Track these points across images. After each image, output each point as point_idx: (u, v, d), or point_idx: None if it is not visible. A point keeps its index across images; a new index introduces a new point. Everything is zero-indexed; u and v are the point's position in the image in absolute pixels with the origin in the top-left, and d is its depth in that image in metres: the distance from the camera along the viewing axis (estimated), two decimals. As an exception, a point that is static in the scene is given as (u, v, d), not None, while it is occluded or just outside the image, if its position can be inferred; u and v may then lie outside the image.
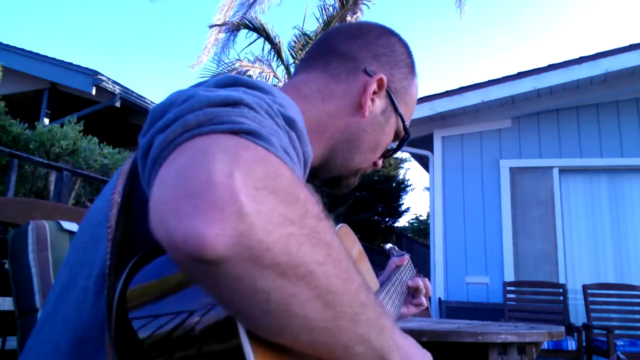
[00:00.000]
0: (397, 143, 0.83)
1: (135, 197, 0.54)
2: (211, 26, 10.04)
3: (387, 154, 0.83)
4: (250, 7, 10.15)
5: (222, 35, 10.12)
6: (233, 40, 10.00)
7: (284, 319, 0.38)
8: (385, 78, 0.75)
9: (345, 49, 0.76)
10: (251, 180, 0.36)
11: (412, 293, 1.19)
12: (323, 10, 9.61)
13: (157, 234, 0.36)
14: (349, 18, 9.51)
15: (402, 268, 1.20)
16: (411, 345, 0.57)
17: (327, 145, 0.74)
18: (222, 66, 9.59)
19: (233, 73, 9.64)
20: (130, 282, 0.44)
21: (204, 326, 0.39)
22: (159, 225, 0.35)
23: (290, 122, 0.50)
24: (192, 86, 0.55)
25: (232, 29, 9.81)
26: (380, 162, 0.83)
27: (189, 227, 0.34)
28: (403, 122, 0.79)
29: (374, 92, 0.74)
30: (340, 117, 0.74)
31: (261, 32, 9.59)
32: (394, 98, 0.77)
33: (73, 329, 0.53)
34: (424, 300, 1.17)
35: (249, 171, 0.37)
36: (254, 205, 0.35)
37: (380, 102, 0.76)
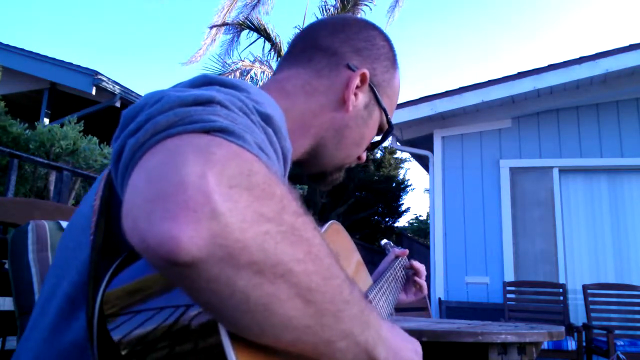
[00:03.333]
0: (381, 136, 0.84)
1: (115, 202, 0.53)
2: (211, 27, 10.04)
3: (372, 147, 0.84)
4: (253, 8, 10.16)
5: (225, 37, 10.13)
6: (237, 40, 10.02)
7: (264, 318, 0.38)
8: (367, 72, 0.75)
9: (327, 43, 0.76)
10: (224, 179, 0.36)
11: (412, 275, 1.24)
12: (324, 11, 9.63)
13: (131, 239, 0.35)
14: (338, 15, 9.52)
15: (397, 262, 1.22)
16: (398, 337, 0.57)
17: (311, 142, 0.74)
18: (226, 67, 9.61)
19: (237, 73, 9.58)
20: (108, 287, 0.43)
21: (183, 325, 0.39)
22: (132, 230, 0.35)
23: (266, 119, 0.49)
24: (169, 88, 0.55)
25: (236, 29, 9.82)
26: (364, 156, 0.83)
27: (162, 231, 0.33)
28: (386, 115, 0.80)
29: (357, 87, 0.75)
30: (324, 113, 0.74)
31: (262, 32, 9.60)
32: (376, 92, 0.77)
33: (57, 336, 0.52)
34: (424, 283, 1.23)
35: (221, 169, 0.36)
36: (227, 204, 0.34)
37: (363, 97, 0.76)
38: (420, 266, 1.25)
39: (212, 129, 0.41)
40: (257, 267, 0.35)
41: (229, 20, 10.04)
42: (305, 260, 0.38)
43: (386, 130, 0.82)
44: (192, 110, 0.43)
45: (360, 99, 0.76)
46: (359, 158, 0.82)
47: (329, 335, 0.42)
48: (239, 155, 0.39)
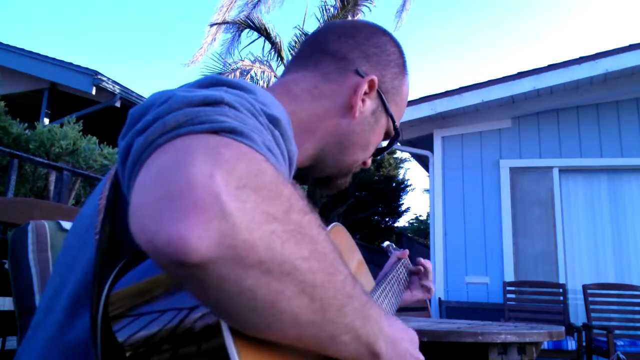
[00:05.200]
0: (387, 142, 0.84)
1: (121, 201, 0.53)
2: (212, 25, 10.04)
3: (377, 153, 0.83)
4: (254, 7, 10.16)
5: (225, 36, 10.13)
6: (237, 40, 10.02)
7: (271, 315, 0.38)
8: (376, 79, 0.74)
9: (337, 48, 0.76)
10: (233, 179, 0.36)
11: (420, 275, 1.25)
12: (324, 11, 9.63)
13: (138, 239, 0.35)
14: (349, 19, 9.54)
15: (400, 264, 1.23)
16: (397, 330, 0.58)
17: (317, 146, 0.74)
18: (227, 67, 9.60)
19: (237, 72, 9.58)
20: (113, 287, 0.43)
21: (187, 327, 0.39)
22: (140, 230, 0.35)
23: (273, 121, 0.50)
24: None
25: (236, 28, 9.82)
26: (369, 161, 0.83)
27: (171, 231, 0.33)
28: (393, 122, 0.79)
29: (365, 93, 0.74)
30: (330, 118, 0.73)
31: (262, 31, 9.60)
32: (384, 99, 0.77)
33: (62, 336, 0.52)
34: (432, 286, 1.24)
35: (230, 170, 0.36)
36: (236, 205, 0.34)
37: (370, 103, 0.76)
38: (428, 266, 1.25)
39: (220, 130, 0.41)
40: (264, 266, 0.36)
41: (229, 18, 10.03)
42: (310, 257, 0.39)
43: (393, 136, 0.82)
44: (201, 110, 0.43)
45: (367, 105, 0.75)
46: (364, 163, 0.82)
47: (333, 329, 0.43)
48: (247, 156, 0.39)
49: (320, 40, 0.78)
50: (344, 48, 0.76)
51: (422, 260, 1.26)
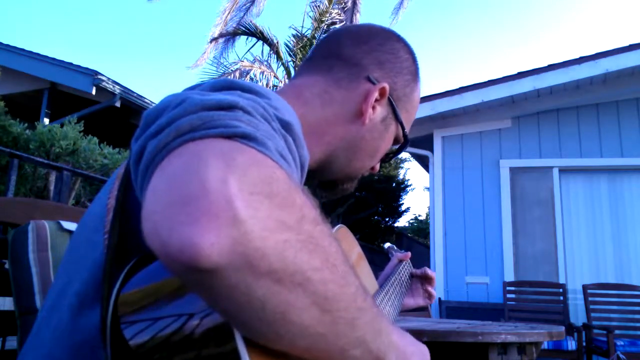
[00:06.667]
0: (396, 148, 0.84)
1: (130, 202, 0.53)
2: (212, 40, 10.17)
3: (386, 158, 0.83)
4: (247, 12, 10.26)
5: (222, 40, 10.22)
6: (232, 43, 10.11)
7: (281, 326, 0.37)
8: (387, 87, 0.74)
9: (350, 53, 0.76)
10: (246, 185, 0.35)
11: (422, 281, 1.28)
12: (315, 8, 9.75)
13: (150, 244, 0.35)
14: (335, 13, 9.66)
15: (401, 266, 1.23)
16: (408, 343, 0.57)
17: (325, 150, 0.74)
18: (222, 69, 9.63)
19: (236, 73, 9.62)
20: (123, 288, 0.43)
21: (199, 330, 0.39)
22: (152, 234, 0.34)
23: (286, 126, 0.49)
24: (187, 89, 0.54)
25: (231, 34, 9.93)
26: (377, 167, 0.83)
27: (183, 237, 0.33)
28: (403, 129, 0.79)
29: (376, 100, 0.74)
30: (339, 123, 0.73)
31: (258, 35, 9.69)
32: (395, 106, 0.77)
33: (67, 334, 0.52)
34: (434, 292, 1.27)
35: (243, 176, 0.36)
36: (249, 211, 0.34)
37: (381, 110, 0.76)
38: (432, 275, 1.27)
39: (234, 135, 0.41)
40: (276, 275, 0.35)
41: (229, 22, 10.14)
42: (322, 268, 0.38)
43: (402, 143, 0.82)
44: (215, 114, 0.43)
45: (377, 112, 0.75)
46: (372, 168, 0.82)
47: (343, 343, 0.42)
48: (261, 162, 0.39)
49: (335, 45, 0.78)
50: (357, 54, 0.76)
51: (427, 269, 1.28)
